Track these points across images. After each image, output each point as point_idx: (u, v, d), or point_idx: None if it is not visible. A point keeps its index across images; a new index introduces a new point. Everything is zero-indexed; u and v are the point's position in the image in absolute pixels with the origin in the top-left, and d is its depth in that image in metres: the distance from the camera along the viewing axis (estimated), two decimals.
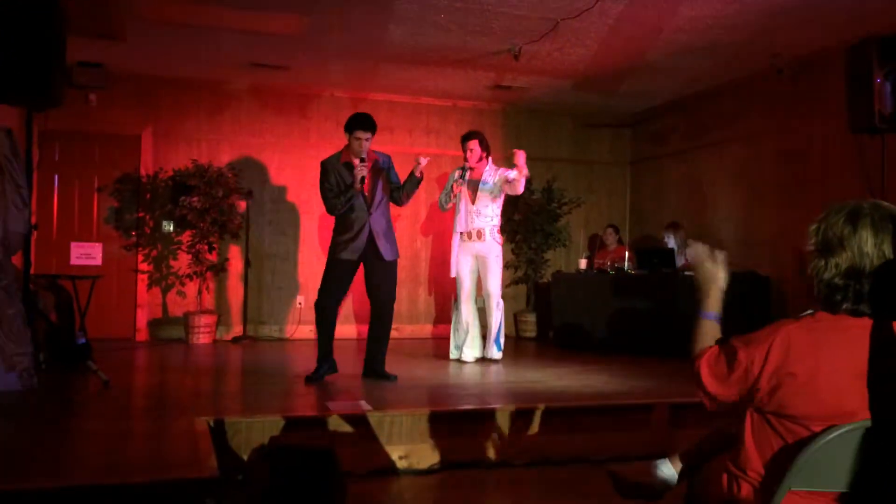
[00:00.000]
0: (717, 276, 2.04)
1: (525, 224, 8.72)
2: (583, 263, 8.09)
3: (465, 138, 6.43)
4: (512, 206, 8.75)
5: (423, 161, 5.38)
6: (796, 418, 1.78)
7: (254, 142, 8.44)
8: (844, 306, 1.79)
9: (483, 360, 6.48)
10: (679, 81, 7.97)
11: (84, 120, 7.82)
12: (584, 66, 7.39)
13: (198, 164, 7.79)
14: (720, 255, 2.07)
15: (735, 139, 7.96)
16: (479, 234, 6.36)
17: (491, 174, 6.38)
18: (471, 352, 6.46)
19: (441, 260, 8.68)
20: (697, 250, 2.07)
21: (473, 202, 6.36)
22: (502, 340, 6.53)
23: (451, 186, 6.27)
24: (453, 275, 6.48)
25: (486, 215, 6.36)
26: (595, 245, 8.98)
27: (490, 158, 6.47)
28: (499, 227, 6.45)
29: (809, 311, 1.85)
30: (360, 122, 5.25)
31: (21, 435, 3.67)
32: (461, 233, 6.43)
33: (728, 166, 8.08)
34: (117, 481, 2.83)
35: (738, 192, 7.92)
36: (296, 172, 8.53)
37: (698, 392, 1.91)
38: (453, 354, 6.52)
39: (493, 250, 6.38)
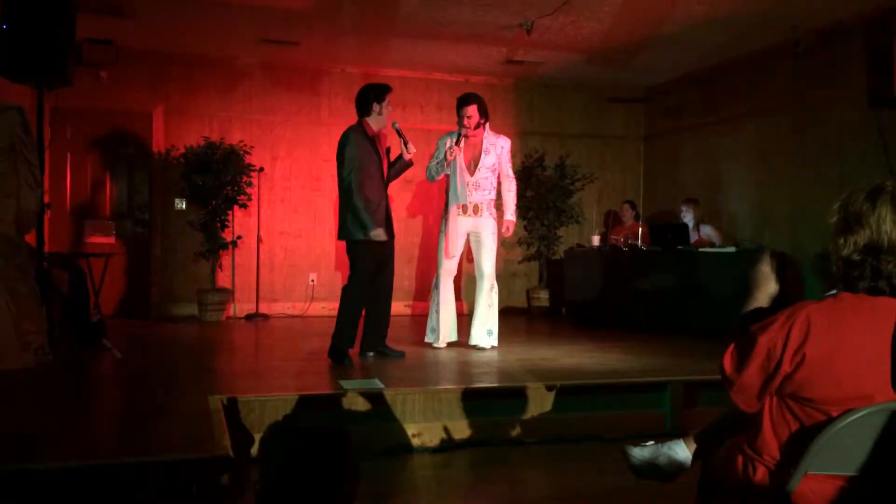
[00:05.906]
0: (770, 286, 2.06)
1: (537, 200, 8.67)
2: (596, 240, 8.04)
3: (462, 103, 5.69)
4: (524, 183, 8.69)
5: (413, 149, 5.32)
6: (814, 401, 1.76)
7: (265, 119, 8.41)
8: (862, 284, 1.78)
9: (459, 345, 5.86)
10: (694, 55, 7.86)
11: (95, 98, 7.80)
12: (598, 40, 7.29)
13: (210, 142, 7.77)
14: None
15: (751, 114, 7.85)
16: (476, 209, 5.74)
17: (492, 142, 5.77)
18: (445, 336, 5.83)
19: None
20: (764, 264, 2.09)
21: (472, 173, 5.73)
22: (496, 328, 5.85)
23: (445, 155, 5.63)
24: (453, 254, 5.78)
25: (484, 188, 5.75)
26: (610, 221, 8.93)
27: (488, 125, 5.79)
28: (495, 202, 5.87)
29: (833, 292, 1.83)
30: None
31: (37, 413, 3.69)
32: (456, 206, 5.75)
33: (743, 142, 7.98)
34: (130, 459, 2.84)
35: (754, 167, 7.83)
36: (307, 149, 8.51)
37: (728, 391, 1.87)
38: (429, 338, 5.87)
39: (488, 226, 5.76)
